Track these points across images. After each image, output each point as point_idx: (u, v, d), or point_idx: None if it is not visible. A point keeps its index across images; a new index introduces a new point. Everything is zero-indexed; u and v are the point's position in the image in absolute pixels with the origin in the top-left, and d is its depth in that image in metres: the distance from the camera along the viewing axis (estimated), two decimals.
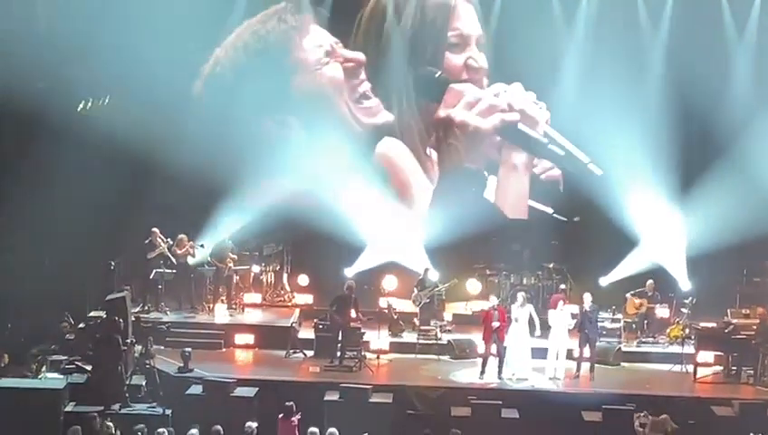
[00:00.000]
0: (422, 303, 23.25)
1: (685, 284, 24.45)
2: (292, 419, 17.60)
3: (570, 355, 21.12)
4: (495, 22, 25.68)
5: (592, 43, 25.19)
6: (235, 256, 24.31)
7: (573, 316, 21.16)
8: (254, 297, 24.53)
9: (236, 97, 24.97)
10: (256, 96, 24.84)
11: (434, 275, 24.01)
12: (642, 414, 18.45)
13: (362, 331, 21.80)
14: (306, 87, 25.65)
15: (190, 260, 23.78)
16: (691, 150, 24.58)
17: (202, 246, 23.94)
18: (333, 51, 25.66)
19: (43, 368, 20.32)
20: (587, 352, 21.04)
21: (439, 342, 22.59)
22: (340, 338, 21.49)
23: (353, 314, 21.69)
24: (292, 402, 17.77)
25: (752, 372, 20.92)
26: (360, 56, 25.64)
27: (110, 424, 17.08)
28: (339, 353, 21.33)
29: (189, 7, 23.80)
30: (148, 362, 20.02)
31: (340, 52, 25.68)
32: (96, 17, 23.67)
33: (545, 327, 21.05)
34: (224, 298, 24.09)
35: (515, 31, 24.90)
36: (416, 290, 23.51)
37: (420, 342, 22.56)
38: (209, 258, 23.95)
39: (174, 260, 23.61)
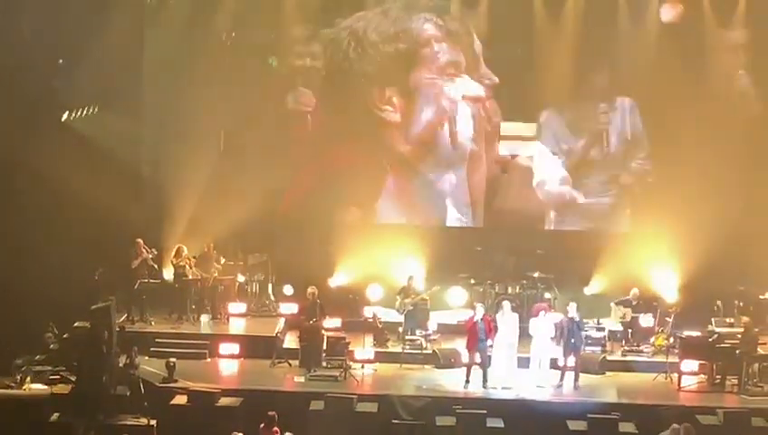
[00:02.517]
0: (406, 310, 23.26)
1: (669, 293, 24.49)
2: (275, 429, 17.53)
3: (555, 364, 21.15)
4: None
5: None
6: (220, 266, 24.28)
7: (556, 325, 21.19)
8: (238, 307, 24.49)
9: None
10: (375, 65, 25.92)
11: (418, 283, 24.02)
12: (681, 426, 17.27)
13: (347, 340, 21.78)
14: (421, 82, 26.22)
15: (188, 271, 23.73)
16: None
17: (195, 257, 23.89)
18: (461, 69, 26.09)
19: (28, 378, 20.21)
20: (571, 361, 21.08)
21: (424, 351, 22.58)
22: (321, 346, 21.60)
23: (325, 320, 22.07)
24: (274, 412, 17.71)
25: (736, 380, 20.97)
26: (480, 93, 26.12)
27: None
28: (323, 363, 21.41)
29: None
30: (132, 372, 19.97)
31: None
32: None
33: (526, 335, 21.07)
34: (208, 308, 24.05)
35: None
36: (399, 298, 23.53)
37: (405, 351, 22.56)
38: (192, 268, 23.93)
39: (157, 268, 23.61)
